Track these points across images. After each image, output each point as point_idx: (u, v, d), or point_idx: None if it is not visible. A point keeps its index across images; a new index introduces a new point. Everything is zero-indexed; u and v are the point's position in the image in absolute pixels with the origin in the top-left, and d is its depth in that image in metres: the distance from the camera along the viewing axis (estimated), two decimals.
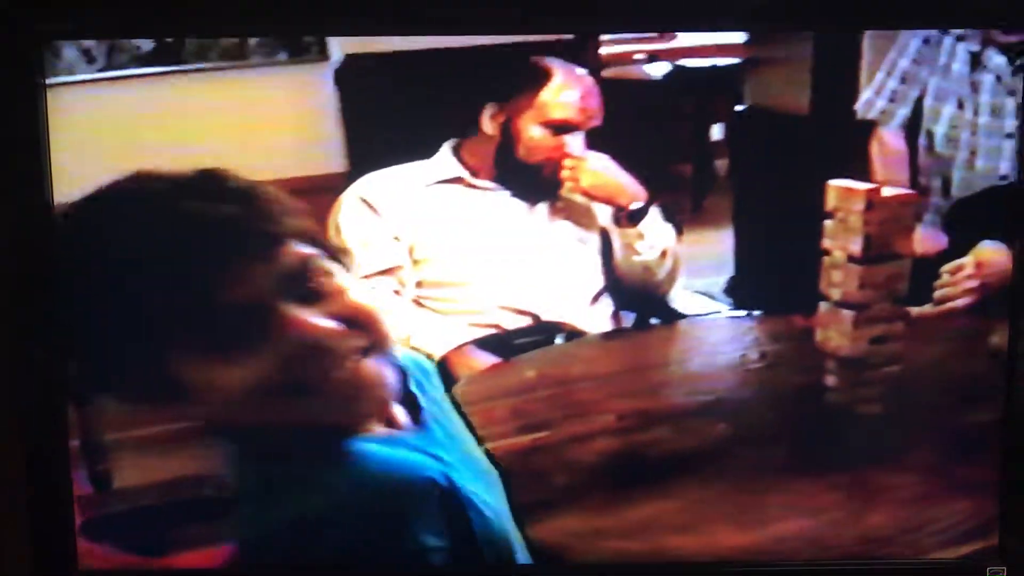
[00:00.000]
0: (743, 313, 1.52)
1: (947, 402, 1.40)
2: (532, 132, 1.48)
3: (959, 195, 1.48)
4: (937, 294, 1.42)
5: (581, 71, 1.46)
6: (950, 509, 1.32)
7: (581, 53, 1.46)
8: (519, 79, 1.47)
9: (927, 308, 1.42)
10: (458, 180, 1.50)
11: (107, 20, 1.28)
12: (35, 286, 1.29)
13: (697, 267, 1.54)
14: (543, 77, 1.46)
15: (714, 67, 1.51)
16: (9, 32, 1.26)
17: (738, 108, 1.52)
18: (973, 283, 1.41)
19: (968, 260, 1.41)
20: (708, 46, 1.49)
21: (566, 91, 1.46)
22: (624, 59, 1.51)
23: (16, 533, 1.38)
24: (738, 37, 1.45)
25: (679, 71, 1.53)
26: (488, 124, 1.49)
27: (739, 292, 1.51)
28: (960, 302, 1.41)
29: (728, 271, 1.53)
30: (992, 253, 1.42)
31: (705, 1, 1.28)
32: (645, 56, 1.52)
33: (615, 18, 1.32)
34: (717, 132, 1.57)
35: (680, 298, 1.55)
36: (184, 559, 1.36)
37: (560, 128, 1.48)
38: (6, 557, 1.40)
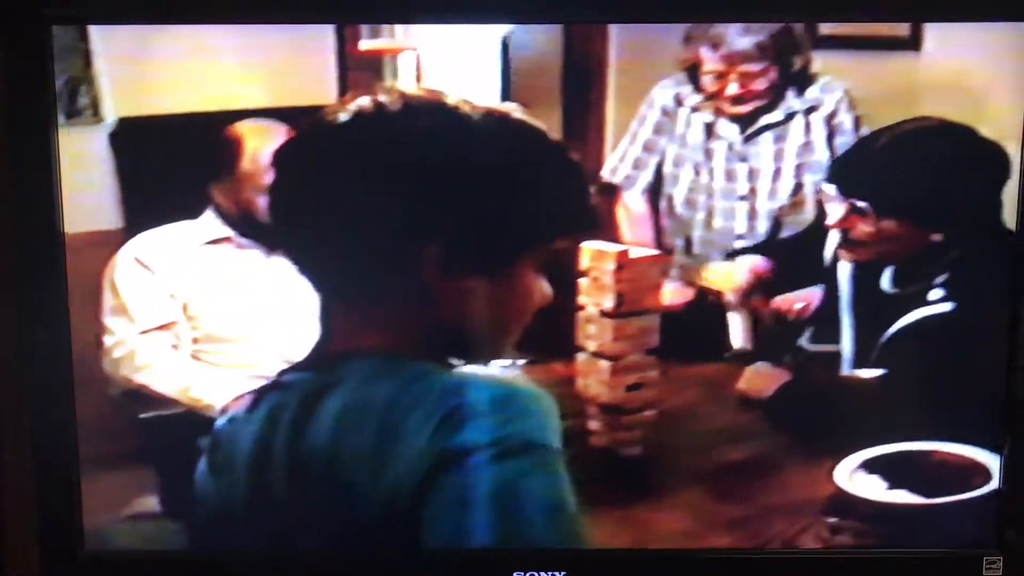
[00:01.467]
0: (508, 362, 1.58)
1: (704, 443, 1.48)
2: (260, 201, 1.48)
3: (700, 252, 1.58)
4: None
5: (272, 123, 1.44)
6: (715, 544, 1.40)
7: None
8: (218, 154, 1.47)
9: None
10: (227, 240, 1.51)
11: (112, 5, 1.31)
12: (38, 267, 1.31)
13: None
14: (235, 147, 1.45)
15: None
16: (14, 16, 1.26)
17: None
18: None
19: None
20: None
21: (261, 153, 1.45)
22: None
23: (23, 514, 1.39)
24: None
25: None
26: (221, 199, 1.50)
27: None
28: None
29: None
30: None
31: None
32: None
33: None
34: None
35: None
36: None
37: None
38: (14, 537, 1.41)
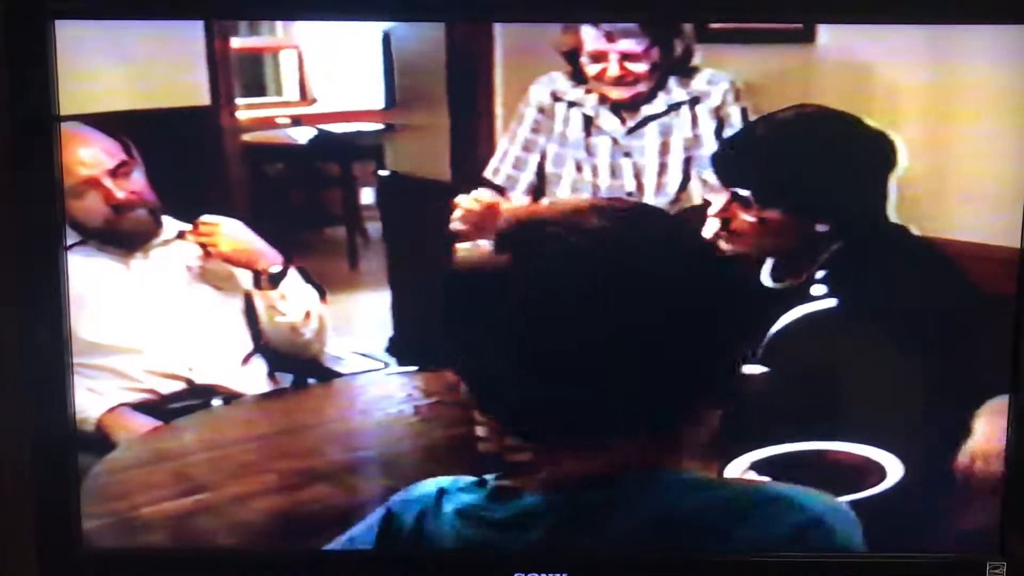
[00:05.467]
0: (398, 370, 1.55)
1: None
2: (89, 202, 1.47)
3: None
4: None
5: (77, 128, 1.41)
6: None
7: (220, 118, 1.46)
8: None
9: None
10: (80, 244, 1.48)
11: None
12: (38, 273, 1.31)
13: (357, 327, 1.57)
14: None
15: (357, 132, 1.54)
16: (19, 9, 1.24)
17: (382, 173, 1.56)
18: None
19: None
20: (349, 112, 1.53)
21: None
22: (267, 123, 1.51)
23: (21, 513, 1.39)
24: (377, 103, 1.50)
25: (323, 136, 1.54)
26: None
27: (401, 350, 1.56)
28: None
29: (388, 330, 1.56)
30: None
31: None
32: (288, 120, 1.53)
33: None
34: (367, 196, 1.58)
35: (342, 358, 1.57)
36: None
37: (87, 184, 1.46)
38: (11, 536, 1.40)
